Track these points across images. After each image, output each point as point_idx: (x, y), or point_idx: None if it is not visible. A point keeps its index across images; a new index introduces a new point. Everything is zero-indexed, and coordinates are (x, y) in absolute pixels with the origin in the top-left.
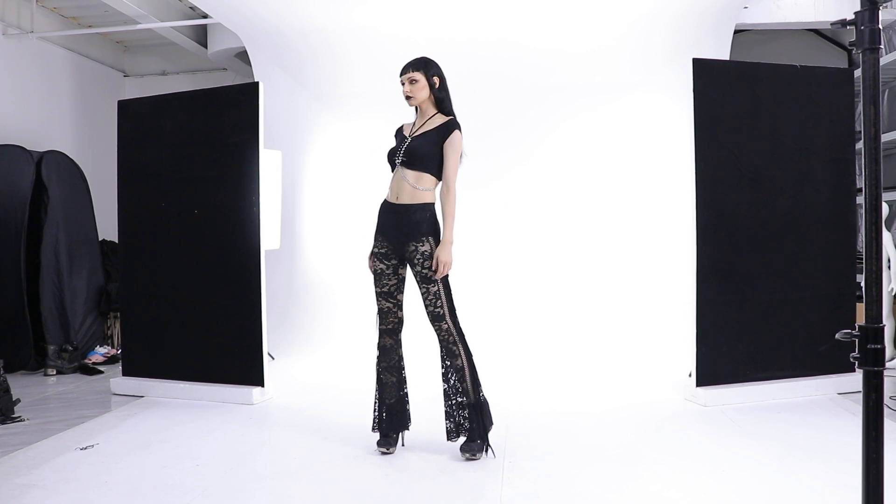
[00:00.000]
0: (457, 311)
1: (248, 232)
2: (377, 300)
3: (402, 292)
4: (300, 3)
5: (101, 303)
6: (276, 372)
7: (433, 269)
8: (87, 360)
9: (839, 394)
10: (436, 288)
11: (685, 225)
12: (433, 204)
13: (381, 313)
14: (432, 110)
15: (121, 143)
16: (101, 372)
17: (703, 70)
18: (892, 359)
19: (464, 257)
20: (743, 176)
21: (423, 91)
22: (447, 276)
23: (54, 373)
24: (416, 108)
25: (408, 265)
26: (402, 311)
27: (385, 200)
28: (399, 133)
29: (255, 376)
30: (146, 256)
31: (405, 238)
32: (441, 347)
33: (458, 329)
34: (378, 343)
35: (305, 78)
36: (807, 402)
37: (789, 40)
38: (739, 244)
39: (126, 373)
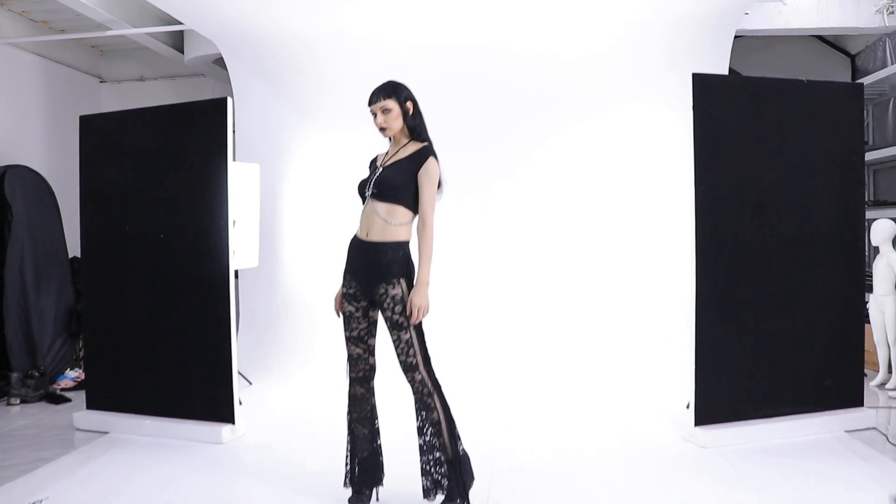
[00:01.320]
0: (431, 359)
1: (216, 259)
2: (346, 345)
3: (374, 336)
4: (279, 10)
5: (71, 323)
6: (251, 399)
7: (406, 314)
8: (55, 386)
9: (846, 431)
10: (408, 335)
11: (682, 243)
12: (407, 242)
13: (351, 360)
14: (405, 138)
15: (83, 161)
16: (69, 400)
17: (704, 86)
18: (883, 383)
19: (447, 276)
20: (745, 199)
21: (397, 120)
22: (421, 321)
23: (18, 402)
24: (390, 137)
25: (378, 310)
26: (374, 356)
27: (354, 236)
28: (373, 164)
29: (224, 413)
30: (110, 282)
31: (375, 279)
32: (415, 399)
33: (433, 379)
34: (349, 391)
35: (285, 87)
36: (812, 442)
37: (790, 46)
38: (741, 272)
39: (90, 405)
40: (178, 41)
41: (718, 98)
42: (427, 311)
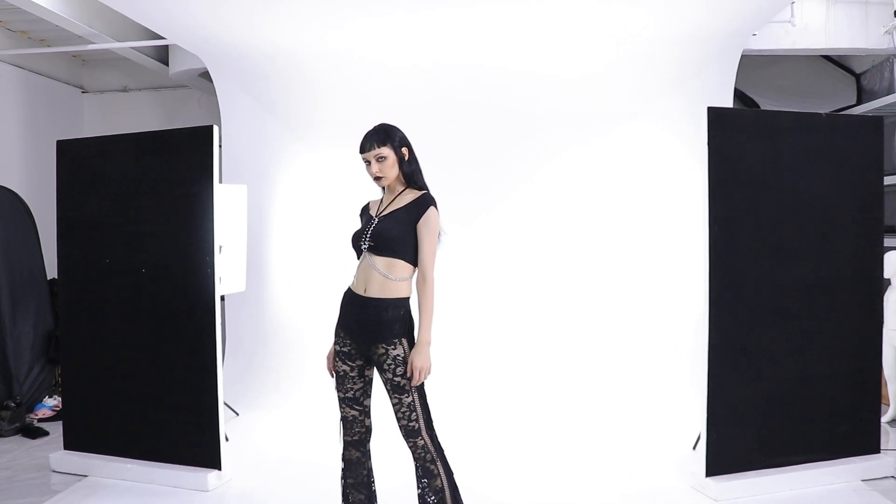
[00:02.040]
0: (433, 420)
1: (201, 296)
2: (340, 407)
3: (370, 396)
4: (267, 26)
5: (49, 349)
6: (238, 434)
7: (408, 376)
8: (33, 416)
9: (863, 481)
10: (410, 398)
11: (686, 270)
12: (408, 299)
13: (346, 422)
14: (400, 186)
15: (60, 189)
16: (46, 433)
17: (719, 120)
18: (894, 419)
19: (447, 308)
20: (760, 240)
21: (393, 168)
22: (423, 382)
23: None
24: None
25: (375, 368)
26: (370, 418)
27: (349, 290)
28: (365, 212)
29: (210, 457)
30: (89, 318)
31: (373, 338)
32: (416, 466)
33: (436, 444)
34: (343, 455)
35: (274, 104)
36: (828, 494)
37: (794, 64)
38: (755, 316)
39: (68, 446)
40: (163, 54)
41: (734, 133)
42: (429, 372)
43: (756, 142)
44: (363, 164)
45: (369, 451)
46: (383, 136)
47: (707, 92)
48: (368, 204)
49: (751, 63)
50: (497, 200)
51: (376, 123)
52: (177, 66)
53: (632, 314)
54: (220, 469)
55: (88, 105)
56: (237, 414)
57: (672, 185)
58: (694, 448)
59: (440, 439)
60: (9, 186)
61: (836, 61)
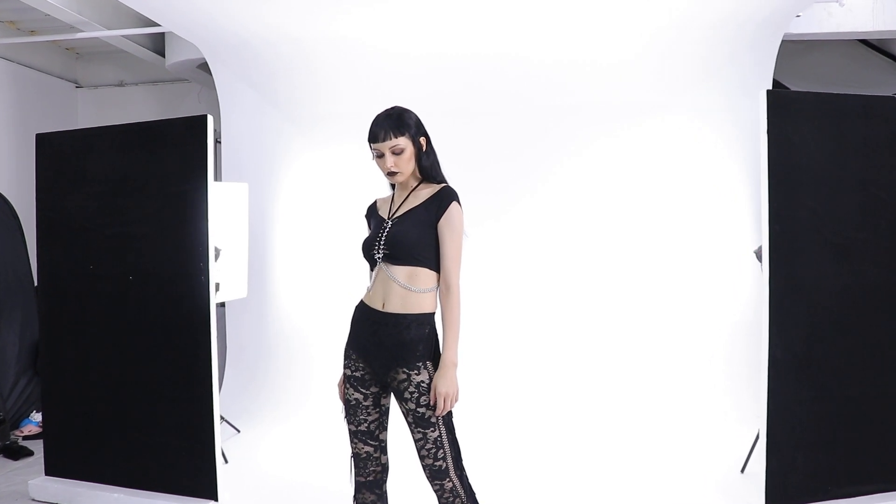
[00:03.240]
0: (462, 456)
1: (195, 306)
2: (352, 442)
3: (386, 429)
4: (269, 9)
5: (37, 360)
6: (238, 454)
7: (431, 405)
8: (18, 432)
9: None
10: (436, 433)
11: (724, 272)
12: (433, 315)
13: (359, 460)
14: (415, 180)
15: (40, 188)
16: (31, 453)
17: (779, 105)
18: None
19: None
20: (826, 241)
21: (411, 162)
22: (450, 413)
23: None
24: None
25: (392, 395)
26: (386, 454)
27: (362, 303)
28: (372, 213)
29: (206, 486)
30: (72, 330)
31: (392, 362)
32: None
33: (465, 486)
34: (355, 499)
35: (277, 96)
36: None
37: (830, 51)
38: (819, 326)
39: (49, 471)
40: (158, 44)
41: (795, 119)
42: (457, 399)
43: (820, 130)
44: (372, 155)
45: (386, 493)
46: (399, 124)
47: (745, 81)
48: (376, 203)
49: (782, 51)
50: (518, 198)
51: (387, 107)
52: (173, 56)
53: (663, 321)
54: (216, 500)
55: (83, 100)
56: (238, 431)
57: (707, 181)
58: (742, 471)
59: (470, 479)
60: None
61: (875, 46)
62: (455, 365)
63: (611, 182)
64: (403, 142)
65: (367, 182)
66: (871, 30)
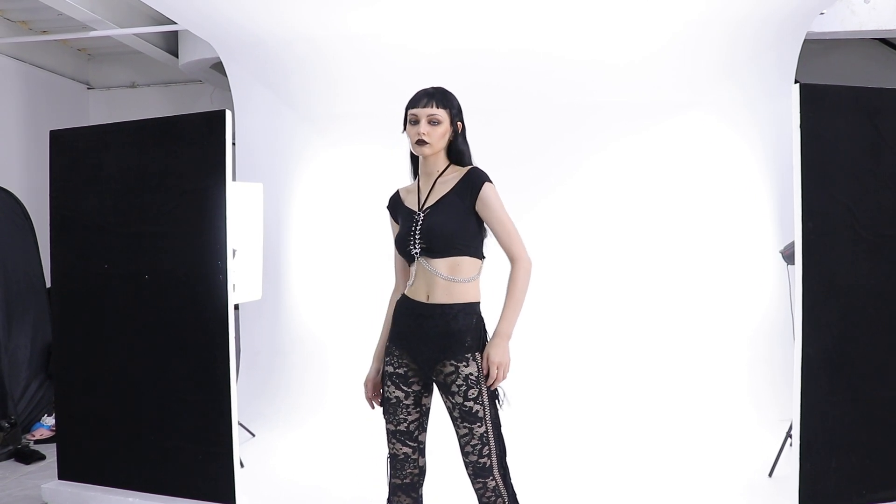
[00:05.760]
0: (507, 455)
1: (212, 306)
2: (389, 443)
3: (426, 430)
4: (285, 9)
5: (49, 363)
6: (253, 458)
7: (481, 400)
8: (30, 436)
9: None
10: (483, 428)
11: (745, 269)
12: (479, 304)
13: (396, 461)
14: (441, 163)
15: (53, 185)
16: (43, 457)
17: (812, 98)
18: None
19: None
20: (861, 238)
21: (443, 139)
22: (496, 407)
23: None
24: (418, 160)
25: (435, 391)
26: (424, 456)
27: (405, 297)
28: (397, 205)
29: (223, 491)
30: (86, 331)
31: (439, 354)
32: None
33: (508, 486)
34: (389, 500)
35: (292, 95)
36: None
37: (849, 50)
38: (854, 326)
39: (63, 475)
40: (172, 44)
41: (829, 113)
42: (507, 373)
43: (854, 125)
44: (404, 126)
45: (421, 497)
46: (441, 99)
47: (766, 79)
48: (398, 193)
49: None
50: (540, 198)
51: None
52: (187, 56)
53: (686, 322)
54: (234, 503)
55: (94, 102)
56: (253, 435)
57: (729, 180)
58: (770, 475)
59: (513, 479)
60: (8, 188)
61: (895, 46)
62: (509, 337)
63: (631, 182)
64: (442, 114)
65: (385, 182)
66: (895, 27)
